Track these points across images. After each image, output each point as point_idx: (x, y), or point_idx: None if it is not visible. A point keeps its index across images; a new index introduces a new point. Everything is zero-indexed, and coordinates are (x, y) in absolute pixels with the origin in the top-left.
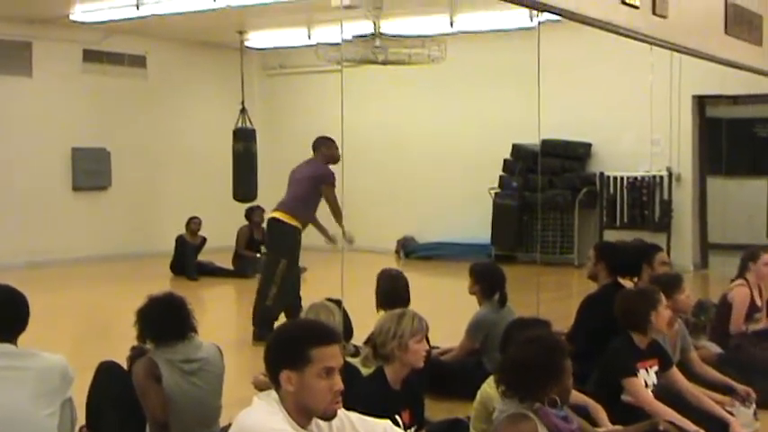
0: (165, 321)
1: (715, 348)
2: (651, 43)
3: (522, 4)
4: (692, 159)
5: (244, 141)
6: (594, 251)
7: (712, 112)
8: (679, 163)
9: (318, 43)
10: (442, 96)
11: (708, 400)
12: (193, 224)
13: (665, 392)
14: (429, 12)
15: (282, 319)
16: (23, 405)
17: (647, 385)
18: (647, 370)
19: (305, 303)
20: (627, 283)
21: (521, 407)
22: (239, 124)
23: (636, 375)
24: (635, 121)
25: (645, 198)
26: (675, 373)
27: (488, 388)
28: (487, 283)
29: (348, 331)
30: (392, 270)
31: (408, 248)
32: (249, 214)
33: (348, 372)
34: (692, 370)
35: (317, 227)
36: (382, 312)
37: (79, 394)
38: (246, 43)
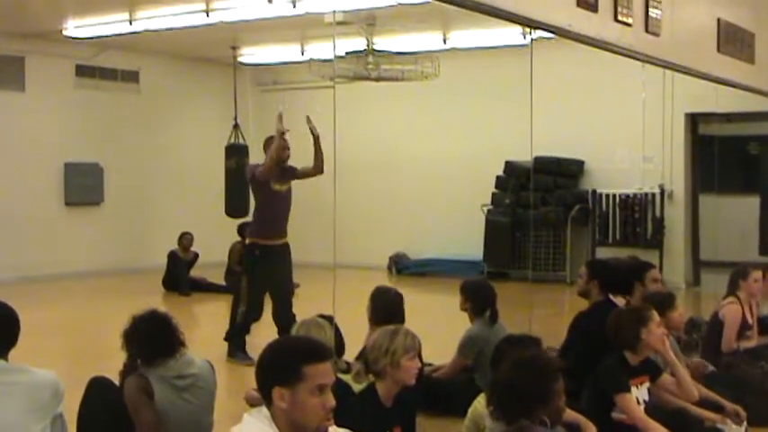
0: (151, 340)
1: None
2: (644, 61)
3: (516, 22)
4: (684, 177)
5: (236, 157)
6: (587, 268)
7: (705, 130)
8: (671, 180)
9: (311, 59)
10: (434, 113)
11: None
12: (185, 240)
13: (657, 410)
14: (422, 29)
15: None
16: (14, 420)
17: (638, 402)
18: (637, 387)
19: (297, 320)
20: (619, 301)
21: (510, 428)
22: (232, 140)
23: (629, 391)
24: (627, 138)
25: (637, 215)
26: (666, 377)
27: (479, 405)
28: (478, 301)
29: (340, 347)
30: (387, 287)
31: (400, 265)
32: (241, 230)
33: (339, 388)
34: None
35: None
36: (375, 329)
37: (71, 410)
38: (240, 59)
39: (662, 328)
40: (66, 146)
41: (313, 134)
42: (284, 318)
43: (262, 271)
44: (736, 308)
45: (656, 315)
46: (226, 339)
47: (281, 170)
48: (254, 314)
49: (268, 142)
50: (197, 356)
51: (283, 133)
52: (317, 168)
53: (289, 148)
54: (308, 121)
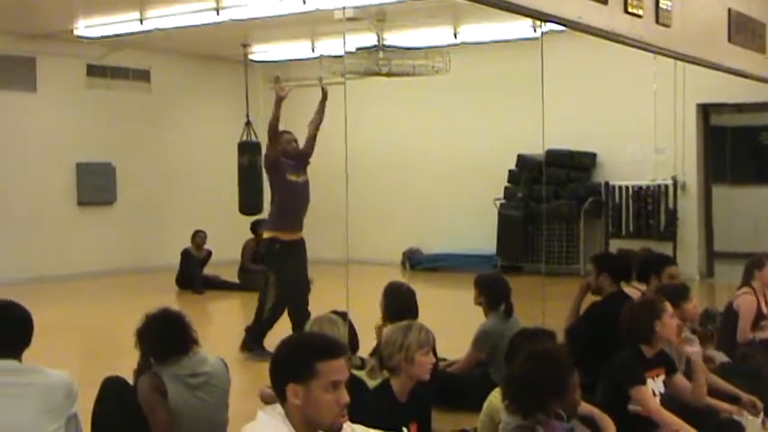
0: (164, 338)
1: (722, 357)
2: (655, 52)
3: (526, 15)
4: (696, 168)
5: (249, 154)
6: (593, 263)
7: (717, 121)
8: (684, 172)
9: (322, 56)
10: (446, 107)
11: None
12: (199, 238)
13: (673, 402)
14: (432, 23)
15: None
16: (28, 421)
17: (654, 394)
18: (653, 379)
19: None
20: (632, 292)
21: (525, 420)
22: (244, 137)
23: (644, 384)
24: (639, 130)
25: (650, 207)
26: (680, 379)
27: (494, 399)
28: (493, 294)
29: (354, 343)
30: (399, 283)
31: (414, 260)
32: (255, 227)
33: (354, 384)
34: None
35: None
36: (389, 325)
37: (85, 409)
38: (250, 56)
39: (675, 319)
40: (78, 146)
41: (323, 91)
42: (299, 314)
43: (284, 264)
44: (751, 298)
45: (669, 306)
46: (247, 331)
47: (295, 160)
48: (281, 309)
49: (282, 135)
50: (211, 354)
51: (282, 98)
52: (317, 122)
53: (296, 141)
54: (320, 81)
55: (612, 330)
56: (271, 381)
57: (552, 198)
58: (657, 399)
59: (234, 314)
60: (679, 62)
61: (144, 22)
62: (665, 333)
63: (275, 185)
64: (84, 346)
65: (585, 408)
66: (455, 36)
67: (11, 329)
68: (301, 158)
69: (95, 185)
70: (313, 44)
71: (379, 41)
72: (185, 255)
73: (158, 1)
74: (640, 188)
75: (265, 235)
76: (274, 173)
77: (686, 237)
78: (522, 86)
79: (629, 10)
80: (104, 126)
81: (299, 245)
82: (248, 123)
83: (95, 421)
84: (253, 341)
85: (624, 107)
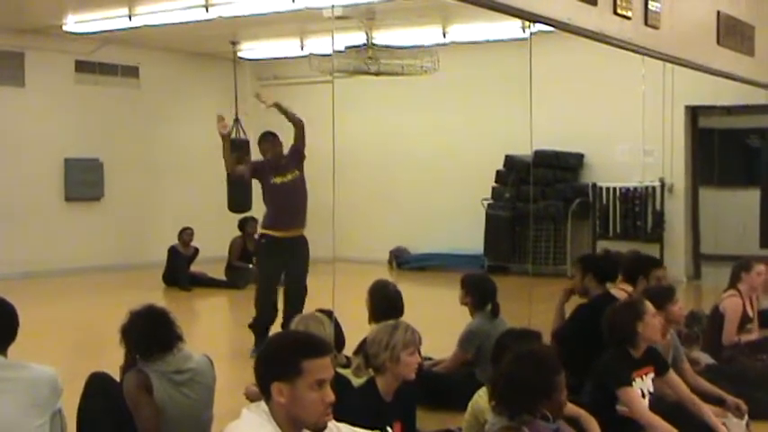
0: (149, 335)
1: (707, 359)
2: (643, 54)
3: (515, 15)
4: (684, 170)
5: (237, 152)
6: (578, 265)
7: (705, 123)
8: (672, 173)
9: (311, 54)
10: (434, 107)
11: (705, 409)
12: (186, 235)
13: (660, 404)
14: (422, 23)
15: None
16: (13, 416)
17: (643, 394)
18: (642, 378)
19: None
20: (619, 294)
21: (512, 421)
22: (233, 135)
23: (631, 385)
24: (627, 131)
25: (637, 209)
26: (674, 377)
27: (480, 399)
28: (479, 294)
29: (340, 342)
30: (385, 282)
31: (401, 259)
32: (243, 225)
33: (339, 383)
34: (684, 381)
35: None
36: (374, 324)
37: (71, 406)
38: (239, 54)
39: (657, 318)
40: (66, 141)
41: (268, 104)
42: (291, 314)
43: (268, 261)
44: (737, 301)
45: (650, 306)
46: (249, 327)
47: (283, 162)
48: (265, 305)
49: (262, 140)
50: (197, 351)
51: (229, 134)
52: (295, 124)
53: (279, 145)
54: (258, 96)
55: (599, 332)
56: (256, 378)
57: (540, 199)
58: (647, 399)
59: (220, 311)
60: (668, 64)
61: (133, 18)
62: (648, 333)
63: (262, 189)
64: (71, 342)
65: (571, 409)
66: (444, 36)
67: None
68: (291, 158)
69: (83, 181)
70: (302, 42)
71: (368, 40)
72: (172, 252)
73: None
74: (628, 190)
75: (259, 231)
76: (259, 180)
77: (673, 239)
78: (511, 87)
79: (619, 11)
80: (93, 122)
81: (293, 242)
82: (237, 121)
83: (81, 417)
84: (257, 336)
85: (612, 109)
